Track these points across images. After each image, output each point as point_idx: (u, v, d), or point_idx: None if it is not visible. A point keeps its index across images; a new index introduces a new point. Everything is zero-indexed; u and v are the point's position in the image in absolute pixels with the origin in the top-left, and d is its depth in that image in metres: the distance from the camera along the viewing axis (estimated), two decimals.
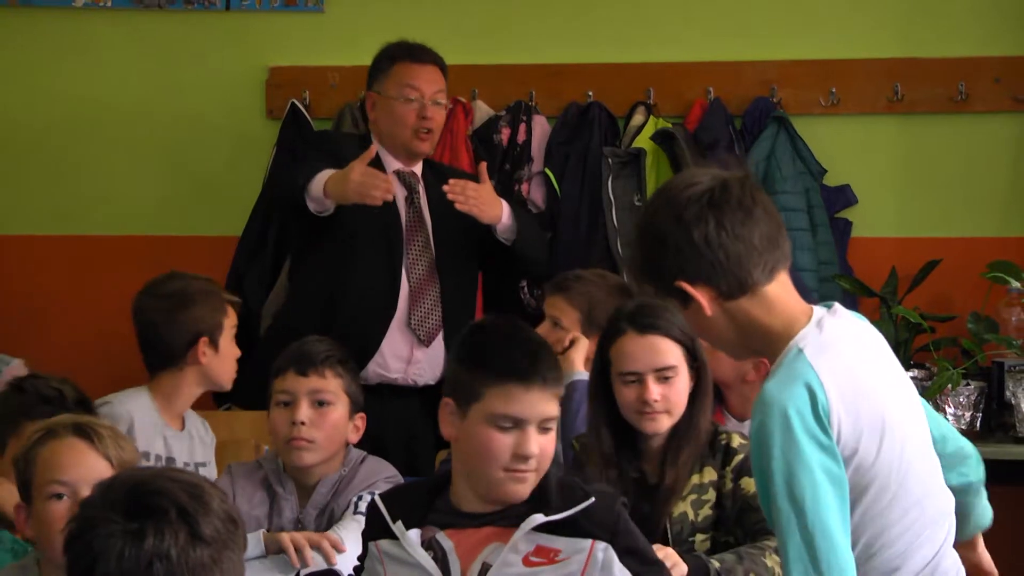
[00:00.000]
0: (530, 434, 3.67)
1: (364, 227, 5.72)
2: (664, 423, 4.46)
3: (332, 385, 4.62)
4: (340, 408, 4.63)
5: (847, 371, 3.28)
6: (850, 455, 3.24)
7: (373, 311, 5.79)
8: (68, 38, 6.92)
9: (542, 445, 3.69)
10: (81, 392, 4.50)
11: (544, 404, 3.70)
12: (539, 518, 3.71)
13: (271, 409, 4.66)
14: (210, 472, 5.17)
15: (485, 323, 3.92)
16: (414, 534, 3.75)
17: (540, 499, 3.75)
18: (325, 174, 5.58)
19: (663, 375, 4.44)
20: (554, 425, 3.74)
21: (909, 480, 3.32)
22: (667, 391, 4.40)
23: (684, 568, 4.19)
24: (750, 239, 3.37)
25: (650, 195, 6.27)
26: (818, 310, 3.41)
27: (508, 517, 3.74)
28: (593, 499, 3.78)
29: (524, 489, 3.71)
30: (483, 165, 5.96)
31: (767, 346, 3.41)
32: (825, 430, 3.20)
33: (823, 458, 3.20)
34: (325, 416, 4.61)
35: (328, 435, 4.60)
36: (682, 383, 4.49)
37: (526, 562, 3.71)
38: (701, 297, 3.34)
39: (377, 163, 5.76)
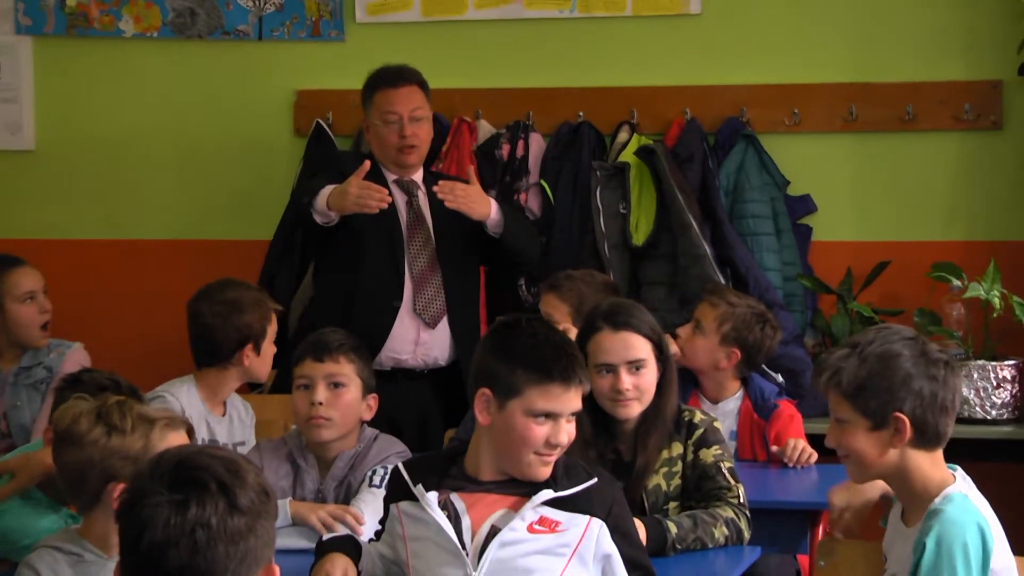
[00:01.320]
0: (562, 425, 3.73)
1: (367, 230, 5.76)
2: (635, 409, 4.51)
3: (346, 369, 4.67)
4: (353, 390, 4.67)
5: None
6: None
7: (382, 302, 5.82)
8: (119, 65, 6.94)
9: (570, 433, 3.76)
10: (130, 383, 4.52)
11: (576, 400, 3.77)
12: (549, 493, 3.76)
13: (293, 392, 4.71)
14: (247, 450, 5.21)
15: (519, 322, 3.92)
16: (432, 496, 3.79)
17: (550, 476, 3.81)
18: (327, 190, 5.63)
19: (634, 367, 4.48)
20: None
21: None
22: (637, 381, 4.46)
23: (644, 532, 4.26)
24: None
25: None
26: None
27: (517, 488, 3.79)
28: (596, 479, 3.85)
29: (548, 470, 3.78)
30: (471, 168, 6.05)
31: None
32: None
33: None
34: (340, 397, 4.65)
35: (343, 413, 4.65)
36: (651, 374, 4.53)
37: (530, 529, 3.76)
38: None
39: (378, 175, 5.82)
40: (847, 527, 4.00)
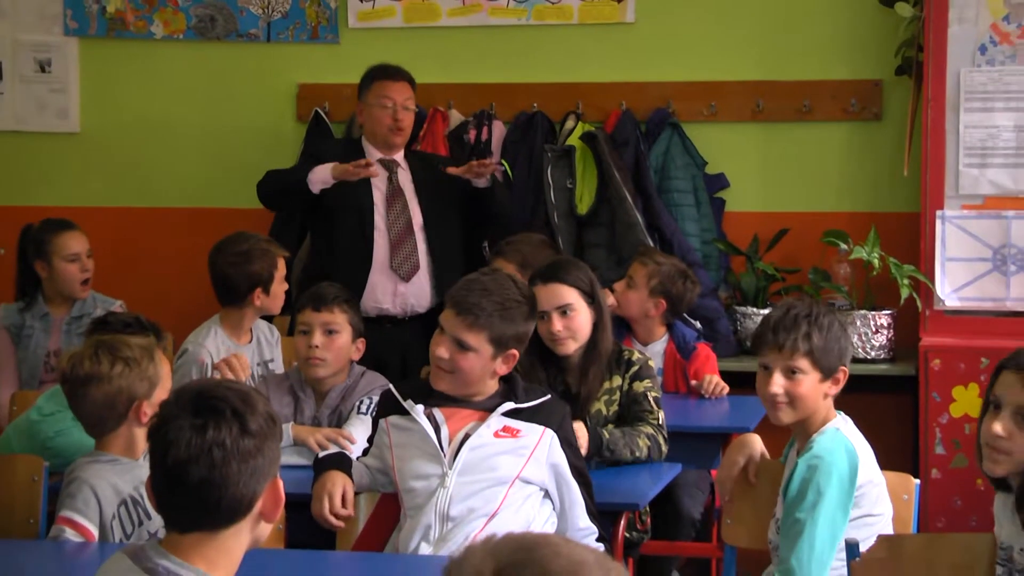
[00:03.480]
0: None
1: (339, 204, 5.81)
2: (570, 347, 4.55)
3: (339, 318, 4.73)
4: (345, 335, 4.73)
5: None
6: None
7: (354, 260, 5.84)
8: (151, 62, 6.91)
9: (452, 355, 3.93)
10: (152, 321, 4.54)
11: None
12: (510, 404, 3.85)
13: (295, 335, 4.75)
14: (277, 366, 5.30)
15: (483, 272, 4.15)
16: (419, 408, 3.84)
17: (510, 392, 3.87)
18: (325, 167, 5.72)
19: (562, 311, 4.51)
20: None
21: None
22: (567, 323, 4.49)
23: (586, 436, 4.29)
24: None
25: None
26: None
27: (486, 404, 3.86)
28: (549, 396, 3.92)
29: (442, 383, 3.93)
30: (497, 158, 6.29)
31: None
32: None
33: None
34: (333, 341, 4.72)
35: (336, 355, 4.72)
36: (581, 316, 4.56)
37: (496, 435, 3.88)
38: None
39: (359, 153, 5.92)
40: (736, 484, 3.98)
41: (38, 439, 4.49)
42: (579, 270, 4.61)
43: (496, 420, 3.87)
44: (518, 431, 3.88)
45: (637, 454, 4.46)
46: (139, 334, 4.27)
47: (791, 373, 3.67)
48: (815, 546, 3.51)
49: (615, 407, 4.59)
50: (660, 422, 4.57)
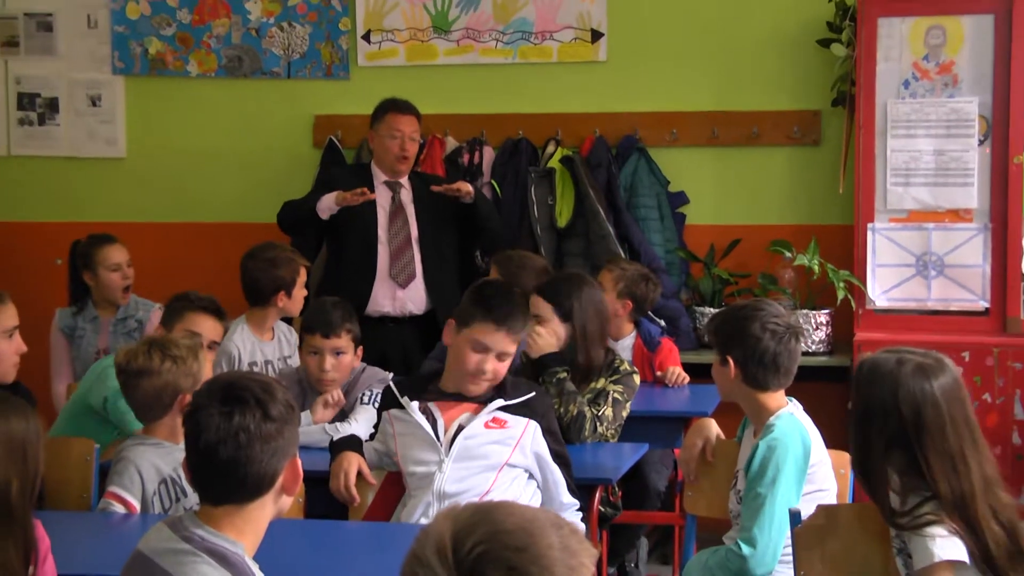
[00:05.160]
0: (490, 359, 3.83)
1: (345, 224, 5.84)
2: (535, 350, 4.61)
3: (344, 341, 4.66)
4: (350, 353, 4.69)
5: None
6: None
7: (360, 270, 5.85)
8: (187, 96, 6.91)
9: (496, 369, 3.83)
10: (216, 304, 4.69)
11: (505, 342, 3.85)
12: (500, 402, 3.83)
13: (304, 353, 4.71)
14: (294, 361, 5.29)
15: (496, 281, 4.02)
16: (415, 404, 3.82)
17: (501, 388, 3.85)
18: (330, 196, 5.75)
19: (537, 322, 4.56)
20: (511, 356, 3.89)
21: None
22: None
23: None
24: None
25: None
26: None
27: (480, 398, 3.85)
28: (534, 393, 3.89)
29: (478, 389, 3.87)
30: (487, 178, 6.32)
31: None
32: None
33: None
34: (341, 361, 4.66)
35: (344, 372, 4.69)
36: (552, 327, 4.61)
37: (486, 426, 3.85)
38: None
39: (367, 176, 5.94)
40: (697, 463, 3.99)
41: (107, 382, 4.46)
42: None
43: (487, 414, 3.86)
44: (505, 422, 3.87)
45: (562, 411, 4.46)
46: (210, 310, 4.53)
47: (718, 361, 3.71)
48: (774, 516, 3.52)
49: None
50: (601, 415, 4.55)
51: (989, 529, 3.04)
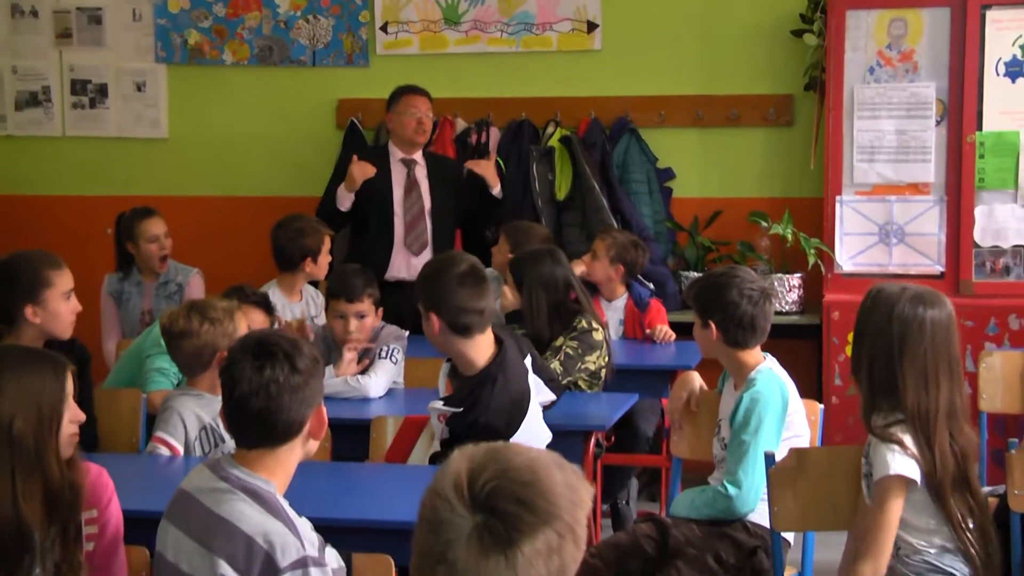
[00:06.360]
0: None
1: (366, 199, 5.88)
2: (505, 308, 4.88)
3: (366, 305, 4.65)
4: (371, 316, 4.68)
5: None
6: None
7: (380, 240, 5.88)
8: (222, 82, 6.88)
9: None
10: (253, 289, 4.68)
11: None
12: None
13: (330, 316, 4.70)
14: (320, 320, 5.30)
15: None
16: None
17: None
18: (341, 188, 5.84)
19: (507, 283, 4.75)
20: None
21: None
22: (503, 295, 4.46)
23: None
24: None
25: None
26: None
27: None
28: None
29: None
30: (494, 156, 6.22)
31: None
32: None
33: None
34: (364, 323, 4.66)
35: (365, 332, 4.68)
36: (514, 292, 4.78)
37: None
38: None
39: (385, 155, 5.96)
40: (682, 413, 3.99)
41: (146, 342, 4.58)
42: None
43: None
44: None
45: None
46: (261, 304, 4.52)
47: (699, 324, 3.71)
48: (757, 461, 3.53)
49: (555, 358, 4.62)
50: (552, 368, 4.55)
51: (942, 449, 3.06)
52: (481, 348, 3.56)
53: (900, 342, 3.09)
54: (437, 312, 3.53)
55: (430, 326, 3.56)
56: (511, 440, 3.47)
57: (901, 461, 3.04)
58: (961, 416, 3.12)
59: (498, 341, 3.62)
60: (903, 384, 3.08)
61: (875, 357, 3.12)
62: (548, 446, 3.87)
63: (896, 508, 3.04)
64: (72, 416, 2.72)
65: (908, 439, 3.06)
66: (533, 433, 3.61)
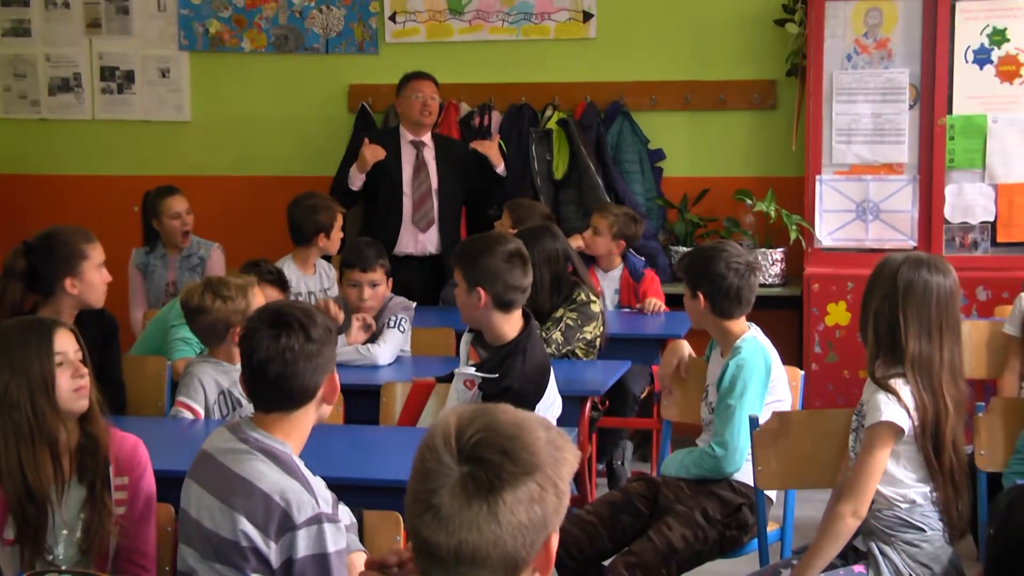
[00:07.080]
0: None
1: (378, 179, 5.85)
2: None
3: (379, 274, 4.65)
4: (383, 284, 4.67)
5: None
6: None
7: (390, 217, 5.86)
8: (241, 69, 6.86)
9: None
10: (269, 265, 4.61)
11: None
12: None
13: (344, 285, 4.68)
14: (332, 292, 5.28)
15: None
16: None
17: None
18: (353, 168, 5.82)
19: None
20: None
21: None
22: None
23: None
24: None
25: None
26: None
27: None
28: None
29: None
30: (496, 138, 6.18)
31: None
32: None
33: None
34: (377, 291, 4.66)
35: (378, 299, 4.67)
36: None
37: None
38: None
39: (395, 137, 5.90)
40: (672, 378, 3.98)
41: (169, 314, 4.56)
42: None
43: None
44: None
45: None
46: (276, 282, 4.43)
47: (689, 295, 3.70)
48: (743, 424, 3.52)
49: (556, 329, 4.62)
50: (550, 338, 4.56)
51: (943, 396, 3.05)
52: (514, 321, 3.57)
53: (904, 296, 3.07)
54: (484, 287, 3.51)
55: (472, 299, 3.53)
56: (537, 406, 3.50)
57: (894, 410, 3.02)
58: (958, 375, 3.11)
59: (525, 315, 3.63)
60: (905, 334, 3.05)
61: (879, 312, 3.09)
62: None
63: (883, 455, 3.02)
64: (73, 372, 2.70)
65: (905, 391, 3.04)
66: (553, 399, 3.64)
